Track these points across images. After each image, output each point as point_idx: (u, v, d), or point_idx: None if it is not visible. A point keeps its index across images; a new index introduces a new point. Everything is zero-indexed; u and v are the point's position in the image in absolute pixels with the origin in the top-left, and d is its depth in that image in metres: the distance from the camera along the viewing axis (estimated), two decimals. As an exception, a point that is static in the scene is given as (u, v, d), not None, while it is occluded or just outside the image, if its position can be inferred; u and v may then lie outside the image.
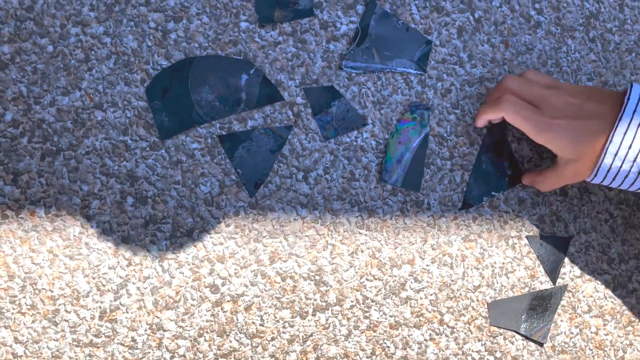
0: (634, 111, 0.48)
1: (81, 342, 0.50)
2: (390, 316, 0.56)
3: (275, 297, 0.54)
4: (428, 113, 0.55)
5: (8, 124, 0.50)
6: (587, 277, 0.60)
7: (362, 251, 0.56)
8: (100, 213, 0.51)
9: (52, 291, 0.50)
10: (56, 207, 0.51)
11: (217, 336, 0.53)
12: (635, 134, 0.47)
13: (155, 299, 0.52)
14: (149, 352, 0.51)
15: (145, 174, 0.52)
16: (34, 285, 0.50)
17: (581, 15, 0.62)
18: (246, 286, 0.53)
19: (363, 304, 0.55)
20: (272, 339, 0.54)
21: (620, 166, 0.48)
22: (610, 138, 0.48)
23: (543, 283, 0.59)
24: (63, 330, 0.50)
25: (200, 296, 0.53)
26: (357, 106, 0.57)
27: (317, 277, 0.55)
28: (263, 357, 0.53)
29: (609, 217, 0.62)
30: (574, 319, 0.60)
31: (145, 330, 0.51)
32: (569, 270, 0.60)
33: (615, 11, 0.63)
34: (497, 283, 0.58)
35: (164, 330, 0.52)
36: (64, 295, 0.50)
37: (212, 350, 0.52)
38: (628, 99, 0.48)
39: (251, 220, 0.54)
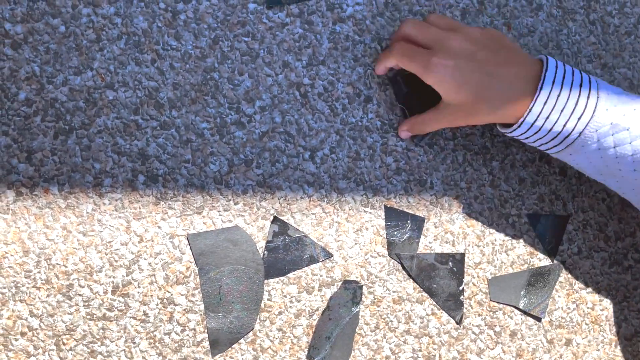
0: (554, 79, 0.50)
1: (94, 316, 0.52)
2: (394, 292, 0.58)
3: (283, 272, 0.55)
4: (361, 291, 0.56)
5: (22, 103, 0.51)
6: (585, 254, 0.62)
7: (367, 229, 0.57)
8: (113, 191, 0.53)
9: (66, 266, 0.51)
10: (69, 185, 0.52)
11: (227, 310, 0.54)
12: (557, 100, 0.50)
13: (166, 274, 0.53)
14: (161, 326, 0.53)
15: (156, 153, 0.53)
16: (48, 261, 0.51)
17: (582, -2, 0.63)
18: (254, 262, 0.55)
19: (367, 279, 0.57)
20: (280, 313, 0.55)
21: (542, 125, 0.51)
22: (535, 98, 0.50)
23: (542, 260, 0.61)
24: (77, 304, 0.52)
25: (209, 272, 0.54)
26: (363, 87, 0.58)
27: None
28: (271, 331, 0.55)
29: (606, 196, 0.64)
30: (571, 294, 0.61)
31: (157, 305, 0.53)
32: (567, 248, 0.62)
33: (616, -6, 0.64)
34: (497, 260, 0.60)
35: (175, 305, 0.53)
36: (77, 270, 0.52)
37: (221, 324, 0.54)
38: (546, 68, 0.50)
39: (259, 198, 0.55)
